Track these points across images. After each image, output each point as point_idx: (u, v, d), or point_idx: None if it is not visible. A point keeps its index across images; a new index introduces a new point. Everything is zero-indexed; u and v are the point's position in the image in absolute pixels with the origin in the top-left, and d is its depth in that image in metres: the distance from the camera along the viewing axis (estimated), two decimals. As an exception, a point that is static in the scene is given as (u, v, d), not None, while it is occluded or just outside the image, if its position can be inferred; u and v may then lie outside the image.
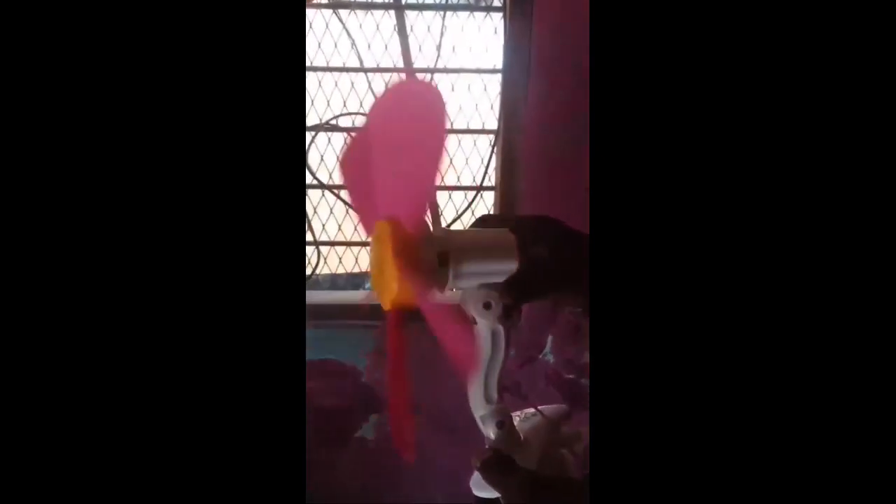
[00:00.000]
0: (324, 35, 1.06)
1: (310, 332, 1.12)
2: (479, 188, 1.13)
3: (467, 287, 0.39)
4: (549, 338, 1.16)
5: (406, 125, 0.35)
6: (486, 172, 1.12)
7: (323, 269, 1.18)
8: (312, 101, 1.09)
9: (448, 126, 0.34)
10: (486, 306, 0.39)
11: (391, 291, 0.34)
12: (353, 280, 1.24)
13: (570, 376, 1.20)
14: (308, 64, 1.07)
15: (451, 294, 0.38)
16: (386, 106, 0.36)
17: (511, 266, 0.37)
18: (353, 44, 1.06)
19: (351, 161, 0.39)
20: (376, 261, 0.36)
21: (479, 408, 0.41)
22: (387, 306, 0.34)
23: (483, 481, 0.38)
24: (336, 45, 1.06)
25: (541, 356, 1.17)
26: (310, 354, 1.13)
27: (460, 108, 1.10)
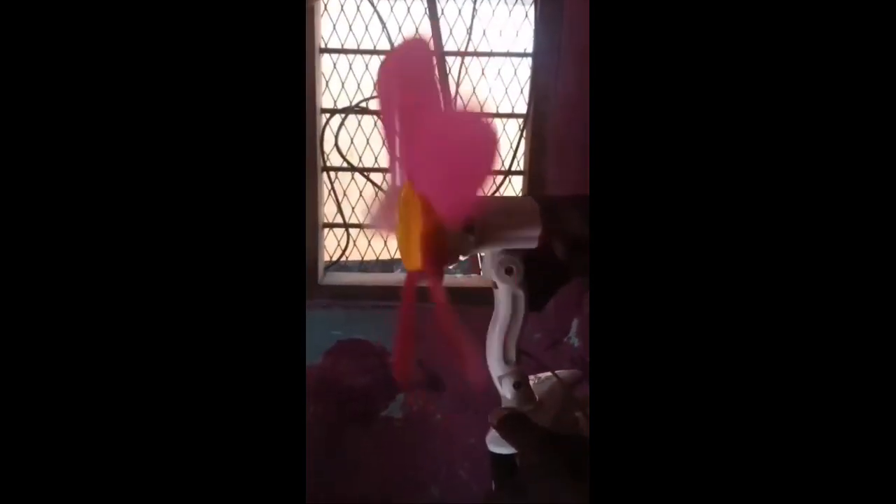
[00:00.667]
0: (355, 18, 1.07)
1: (339, 313, 1.14)
2: (508, 172, 1.14)
3: (490, 252, 0.40)
4: (574, 321, 1.17)
5: (406, 91, 0.36)
6: (514, 157, 1.12)
7: (352, 254, 1.20)
8: (343, 84, 1.11)
9: (437, 71, 0.34)
10: (508, 271, 0.40)
11: (418, 235, 0.34)
12: (383, 266, 1.26)
13: (596, 361, 1.19)
14: (339, 47, 1.08)
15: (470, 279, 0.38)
16: (387, 84, 0.39)
17: (534, 232, 0.38)
18: (384, 27, 1.07)
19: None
20: (404, 219, 0.37)
21: (497, 369, 0.42)
22: (413, 266, 0.36)
23: (499, 438, 0.40)
24: (367, 29, 1.08)
25: (565, 339, 1.18)
26: (339, 335, 1.15)
27: (490, 91, 1.10)
